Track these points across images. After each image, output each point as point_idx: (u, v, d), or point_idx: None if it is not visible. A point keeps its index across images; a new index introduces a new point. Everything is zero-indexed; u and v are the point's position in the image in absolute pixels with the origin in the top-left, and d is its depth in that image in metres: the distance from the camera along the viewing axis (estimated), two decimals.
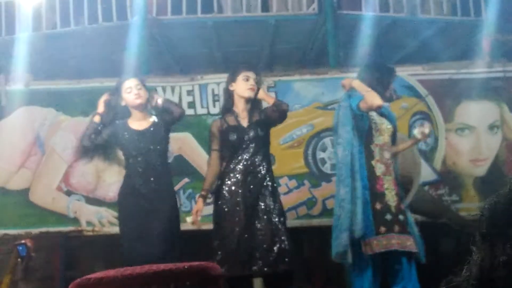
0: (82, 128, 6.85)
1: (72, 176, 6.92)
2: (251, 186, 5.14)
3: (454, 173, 6.98)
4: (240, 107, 5.31)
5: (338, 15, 7.77)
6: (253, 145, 5.21)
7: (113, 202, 6.71)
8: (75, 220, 6.88)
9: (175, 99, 6.98)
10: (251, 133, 5.23)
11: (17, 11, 7.79)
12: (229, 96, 5.36)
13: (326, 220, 6.85)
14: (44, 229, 6.86)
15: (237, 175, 5.14)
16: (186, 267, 1.42)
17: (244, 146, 5.20)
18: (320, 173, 7.05)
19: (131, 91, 5.29)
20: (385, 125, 5.31)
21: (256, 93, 5.33)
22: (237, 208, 5.08)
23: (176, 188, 6.17)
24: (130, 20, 7.69)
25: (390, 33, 8.04)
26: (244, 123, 5.26)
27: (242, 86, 5.27)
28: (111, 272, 1.45)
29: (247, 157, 5.18)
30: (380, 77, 5.30)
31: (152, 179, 5.19)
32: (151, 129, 5.28)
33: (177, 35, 8.14)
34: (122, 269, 1.46)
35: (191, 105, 7.03)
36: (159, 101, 5.36)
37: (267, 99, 5.40)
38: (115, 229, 6.68)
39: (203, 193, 5.23)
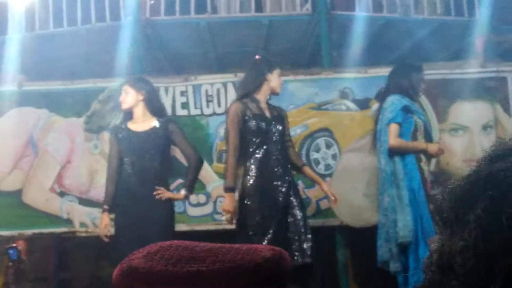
0: (75, 128, 6.89)
1: (65, 177, 6.89)
2: (277, 182, 5.14)
3: (448, 174, 6.97)
4: (263, 98, 5.33)
5: (332, 16, 7.77)
6: (276, 138, 5.23)
7: None
8: (68, 221, 6.84)
9: (169, 100, 6.95)
10: (274, 125, 5.25)
11: (10, 11, 7.77)
12: (260, 82, 5.34)
13: (319, 221, 6.84)
14: (37, 230, 6.83)
15: (262, 169, 5.13)
16: (261, 260, 1.20)
17: (267, 136, 5.20)
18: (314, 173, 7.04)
19: (120, 96, 5.42)
20: (421, 125, 5.42)
21: None
22: (266, 203, 5.08)
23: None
24: (123, 20, 7.67)
25: (384, 34, 8.05)
26: (267, 113, 5.28)
27: (278, 81, 5.37)
28: (160, 262, 1.23)
29: (270, 149, 5.18)
30: (411, 79, 5.45)
31: (146, 181, 5.20)
32: (150, 132, 5.29)
33: (170, 35, 8.13)
34: (179, 257, 1.23)
35: (185, 105, 7.00)
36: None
37: None
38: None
39: (229, 186, 5.14)
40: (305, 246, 5.09)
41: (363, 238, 6.31)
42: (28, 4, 7.84)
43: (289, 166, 5.32)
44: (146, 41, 7.90)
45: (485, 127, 7.03)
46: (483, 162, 0.85)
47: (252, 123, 5.18)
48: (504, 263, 0.72)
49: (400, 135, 5.35)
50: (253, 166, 5.15)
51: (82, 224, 6.84)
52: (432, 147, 5.41)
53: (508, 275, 0.72)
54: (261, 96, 5.32)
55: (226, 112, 5.51)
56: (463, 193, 0.83)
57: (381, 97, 5.70)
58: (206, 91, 7.04)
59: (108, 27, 7.71)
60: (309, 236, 5.13)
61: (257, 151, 5.17)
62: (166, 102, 6.88)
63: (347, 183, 6.64)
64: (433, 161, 6.81)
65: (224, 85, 7.04)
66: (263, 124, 5.20)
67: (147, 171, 5.21)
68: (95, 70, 7.42)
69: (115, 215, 5.35)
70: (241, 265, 1.12)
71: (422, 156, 5.39)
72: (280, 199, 5.11)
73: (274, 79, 5.34)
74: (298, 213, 5.16)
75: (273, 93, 5.38)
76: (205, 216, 6.79)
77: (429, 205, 5.21)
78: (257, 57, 5.71)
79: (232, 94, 6.93)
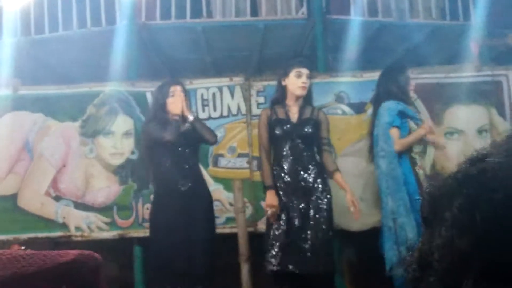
0: (70, 133, 6.88)
1: (60, 182, 6.86)
2: (302, 184, 5.18)
3: (443, 177, 6.97)
4: (291, 102, 5.36)
5: (327, 20, 7.78)
6: (302, 141, 5.24)
7: (102, 208, 6.72)
8: (64, 226, 6.81)
9: None
10: (301, 129, 5.25)
11: (5, 15, 7.76)
12: (282, 89, 5.40)
13: None
14: (32, 235, 6.79)
15: (286, 175, 5.18)
16: (63, 262, 1.21)
17: (290, 141, 5.23)
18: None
19: (177, 95, 5.53)
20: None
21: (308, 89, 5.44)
22: (289, 210, 5.16)
23: None
24: (118, 24, 7.67)
25: (379, 38, 8.06)
26: (294, 118, 5.29)
27: (294, 83, 5.33)
28: None
29: (293, 154, 5.21)
30: (399, 83, 5.49)
31: (189, 178, 5.29)
32: (186, 130, 5.41)
33: (166, 39, 8.13)
34: None
35: None
36: (190, 118, 5.48)
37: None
38: (104, 234, 6.69)
39: (268, 185, 5.29)
40: (321, 255, 5.14)
41: (358, 242, 6.33)
42: (23, 8, 7.83)
43: (320, 169, 5.35)
44: (141, 45, 7.90)
45: (480, 131, 7.03)
46: (462, 165, 0.87)
47: (277, 128, 5.25)
48: (477, 260, 0.74)
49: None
50: (279, 168, 5.27)
51: (78, 229, 6.81)
52: (426, 127, 5.47)
53: (481, 271, 0.74)
54: (289, 100, 5.37)
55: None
56: (441, 193, 0.85)
57: (373, 103, 5.75)
58: (202, 95, 7.03)
59: (103, 31, 7.70)
60: (329, 244, 5.19)
61: (283, 155, 5.21)
62: None
63: None
64: (428, 165, 6.83)
65: (220, 89, 7.02)
66: (287, 128, 5.23)
67: (189, 167, 5.43)
68: (90, 75, 7.40)
69: (152, 209, 5.54)
70: (21, 273, 1.12)
71: (417, 160, 5.42)
72: (303, 202, 5.16)
73: (289, 82, 5.36)
74: (323, 223, 5.19)
75: (296, 96, 5.38)
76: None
77: None
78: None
79: (227, 98, 6.95)
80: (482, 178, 0.81)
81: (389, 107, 5.45)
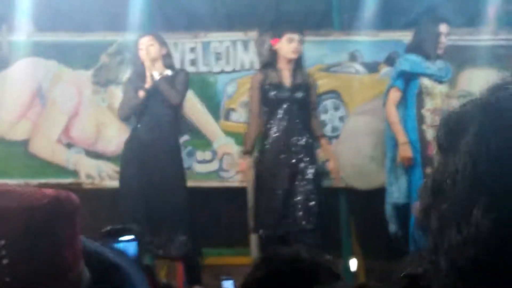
0: (83, 81, 6.90)
1: (72, 129, 6.89)
2: (292, 149, 5.27)
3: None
4: (283, 66, 5.41)
5: None
6: (293, 106, 5.31)
7: (114, 156, 6.74)
8: (75, 173, 6.88)
9: (178, 55, 6.92)
10: (293, 94, 5.31)
11: None
12: (272, 53, 5.43)
13: (324, 182, 6.87)
14: (43, 181, 6.76)
15: (278, 137, 5.28)
16: (36, 202, 1.17)
17: (284, 106, 5.29)
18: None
19: (142, 48, 5.57)
20: (438, 89, 5.41)
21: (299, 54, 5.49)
22: (279, 170, 5.23)
23: None
24: None
25: None
26: (287, 82, 5.34)
27: (286, 48, 5.41)
28: None
29: (286, 118, 5.28)
30: (425, 34, 5.43)
31: (157, 132, 5.29)
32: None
33: None
34: None
35: (193, 62, 7.00)
36: (155, 76, 5.55)
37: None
38: (115, 183, 6.72)
39: (247, 150, 5.48)
40: (310, 212, 5.21)
41: (367, 200, 6.35)
42: None
43: (310, 134, 5.43)
44: None
45: None
46: (483, 93, 0.86)
47: (270, 93, 5.30)
48: (489, 188, 0.75)
49: (403, 99, 5.39)
50: (271, 133, 5.37)
51: (89, 176, 6.87)
52: (404, 150, 5.37)
53: (491, 200, 0.74)
54: (281, 64, 5.41)
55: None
56: (458, 120, 0.84)
57: None
58: (215, 49, 7.03)
59: None
60: (314, 202, 5.26)
61: (276, 118, 5.27)
62: (175, 57, 6.86)
63: (354, 145, 6.65)
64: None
65: (233, 43, 7.04)
66: (278, 92, 5.29)
67: (159, 121, 5.46)
68: (105, 24, 7.37)
69: (121, 165, 5.49)
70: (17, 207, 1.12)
71: (428, 119, 5.40)
72: (292, 167, 5.25)
73: (281, 47, 5.39)
74: (309, 176, 5.27)
75: (288, 59, 5.38)
76: (211, 173, 6.80)
77: (425, 168, 5.23)
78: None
79: (241, 52, 6.94)
80: (500, 105, 0.81)
81: (396, 64, 5.49)
